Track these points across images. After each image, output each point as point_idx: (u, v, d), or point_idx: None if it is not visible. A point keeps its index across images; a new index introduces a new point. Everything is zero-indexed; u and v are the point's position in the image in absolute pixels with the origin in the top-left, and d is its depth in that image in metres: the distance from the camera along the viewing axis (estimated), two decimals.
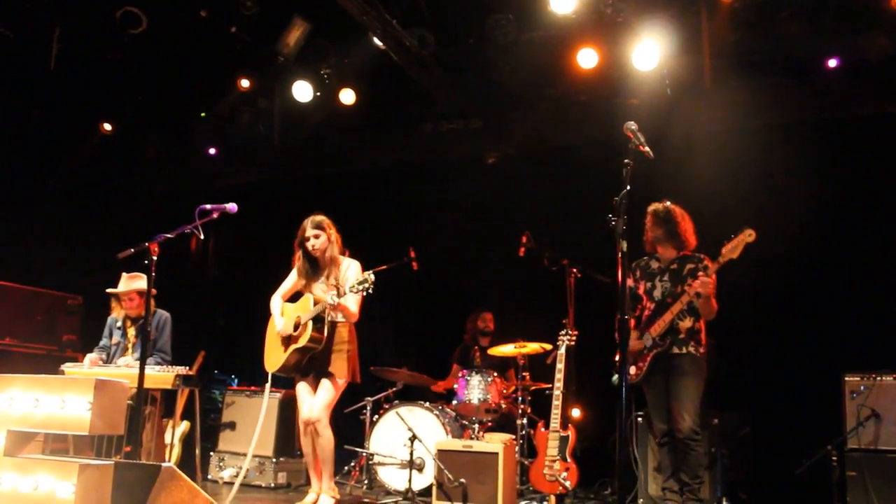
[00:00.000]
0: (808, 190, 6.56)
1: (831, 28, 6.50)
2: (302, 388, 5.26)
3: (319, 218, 5.24)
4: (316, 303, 5.06)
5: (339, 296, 4.93)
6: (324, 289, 5.16)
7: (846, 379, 5.38)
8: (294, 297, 5.36)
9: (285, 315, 5.24)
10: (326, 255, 5.20)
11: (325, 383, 5.13)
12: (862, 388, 5.29)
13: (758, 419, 6.23)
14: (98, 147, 8.85)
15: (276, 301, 5.34)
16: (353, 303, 5.12)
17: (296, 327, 5.11)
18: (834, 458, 5.18)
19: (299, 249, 5.26)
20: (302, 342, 5.03)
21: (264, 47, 7.49)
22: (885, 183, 6.55)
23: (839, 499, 5.17)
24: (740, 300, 5.39)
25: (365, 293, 4.85)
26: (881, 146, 6.62)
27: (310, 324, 5.02)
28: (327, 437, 5.13)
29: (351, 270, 5.21)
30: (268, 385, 5.33)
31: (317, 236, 5.17)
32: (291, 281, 5.36)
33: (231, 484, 6.59)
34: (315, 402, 5.13)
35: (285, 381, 5.70)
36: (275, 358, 5.22)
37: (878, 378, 5.26)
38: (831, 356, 5.89)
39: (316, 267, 5.25)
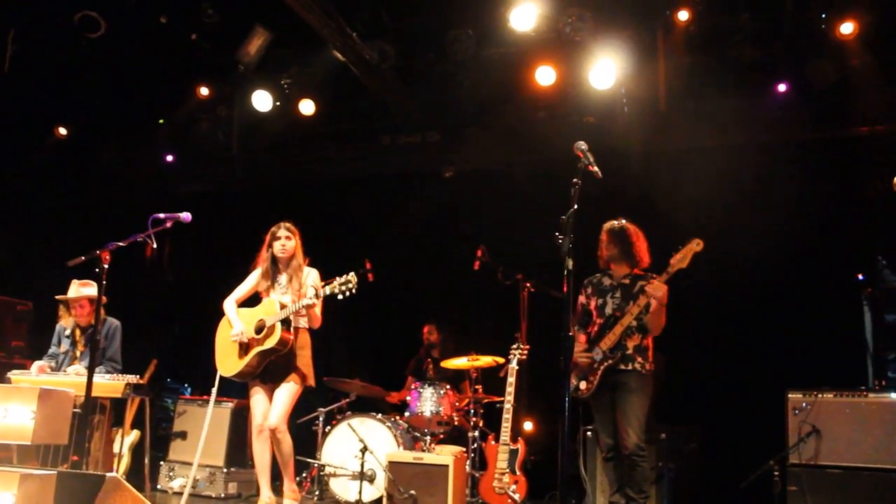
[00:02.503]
0: (756, 211, 6.71)
1: (781, 54, 6.70)
2: (258, 394, 5.26)
3: (290, 224, 5.36)
4: (282, 307, 5.10)
5: (317, 296, 5.00)
6: (286, 295, 5.20)
7: (789, 396, 5.51)
8: (247, 303, 5.39)
9: (242, 320, 5.25)
10: (293, 261, 5.29)
11: (284, 389, 5.17)
12: (804, 404, 5.42)
13: (704, 434, 6.35)
14: (53, 151, 8.72)
15: (231, 305, 5.36)
16: (320, 306, 5.21)
17: (258, 330, 5.12)
18: (776, 472, 5.31)
19: (268, 251, 5.33)
20: (269, 344, 5.05)
21: (224, 56, 7.47)
22: (831, 205, 6.74)
23: None
24: (689, 318, 5.50)
25: (348, 294, 4.88)
26: (827, 169, 6.82)
27: (278, 325, 5.04)
28: (287, 443, 5.20)
29: (311, 278, 5.31)
30: (214, 389, 5.31)
31: (288, 238, 5.30)
32: (249, 285, 5.41)
33: (181, 494, 6.55)
34: (274, 409, 5.16)
35: (238, 391, 5.67)
36: (231, 362, 5.22)
37: (820, 395, 5.40)
38: (775, 374, 6.02)
39: (279, 272, 5.32)
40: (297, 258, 5.31)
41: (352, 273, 4.91)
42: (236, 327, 5.19)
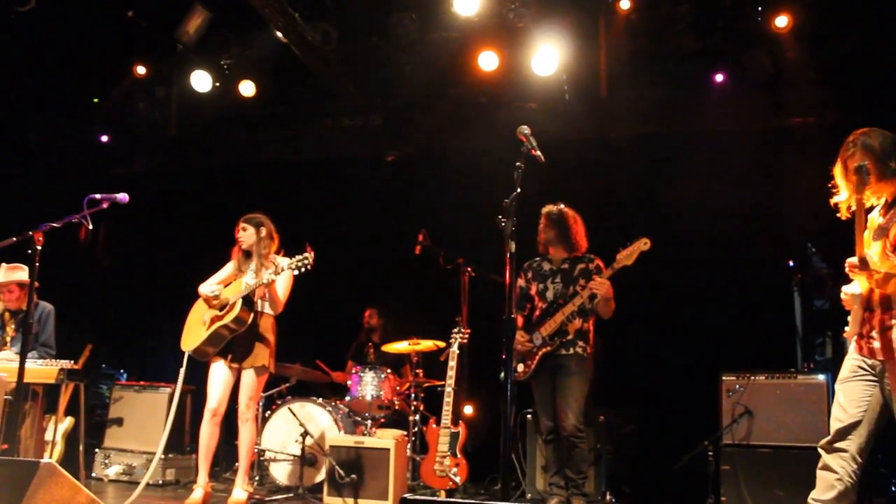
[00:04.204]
0: (692, 198, 6.83)
1: (719, 45, 6.82)
2: (216, 373, 5.20)
3: (254, 214, 5.36)
4: (246, 287, 5.11)
5: (276, 273, 5.02)
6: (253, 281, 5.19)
7: (723, 378, 5.65)
8: None
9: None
10: (256, 250, 5.26)
11: (250, 377, 5.18)
12: (737, 386, 5.57)
13: (642, 417, 6.49)
14: None
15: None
16: (283, 289, 5.22)
17: (221, 308, 5.12)
18: (710, 452, 5.47)
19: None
20: (227, 319, 5.04)
21: (163, 34, 7.29)
22: (764, 193, 6.92)
23: (713, 490, 5.45)
24: (626, 303, 5.60)
25: (304, 270, 4.93)
26: (761, 158, 6.98)
27: (238, 302, 5.04)
28: (252, 432, 5.23)
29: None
30: (182, 370, 5.21)
31: (244, 229, 5.30)
32: (224, 273, 5.40)
33: (117, 482, 6.45)
34: (243, 398, 5.17)
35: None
36: (194, 337, 5.18)
37: (752, 377, 5.55)
38: (710, 357, 6.16)
39: (250, 261, 5.31)
40: (260, 247, 5.27)
41: (311, 252, 4.96)
42: (207, 289, 5.19)
